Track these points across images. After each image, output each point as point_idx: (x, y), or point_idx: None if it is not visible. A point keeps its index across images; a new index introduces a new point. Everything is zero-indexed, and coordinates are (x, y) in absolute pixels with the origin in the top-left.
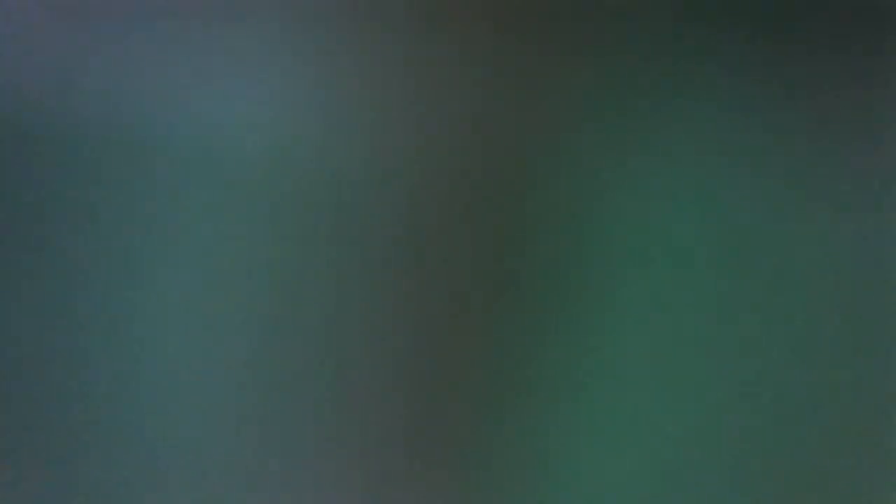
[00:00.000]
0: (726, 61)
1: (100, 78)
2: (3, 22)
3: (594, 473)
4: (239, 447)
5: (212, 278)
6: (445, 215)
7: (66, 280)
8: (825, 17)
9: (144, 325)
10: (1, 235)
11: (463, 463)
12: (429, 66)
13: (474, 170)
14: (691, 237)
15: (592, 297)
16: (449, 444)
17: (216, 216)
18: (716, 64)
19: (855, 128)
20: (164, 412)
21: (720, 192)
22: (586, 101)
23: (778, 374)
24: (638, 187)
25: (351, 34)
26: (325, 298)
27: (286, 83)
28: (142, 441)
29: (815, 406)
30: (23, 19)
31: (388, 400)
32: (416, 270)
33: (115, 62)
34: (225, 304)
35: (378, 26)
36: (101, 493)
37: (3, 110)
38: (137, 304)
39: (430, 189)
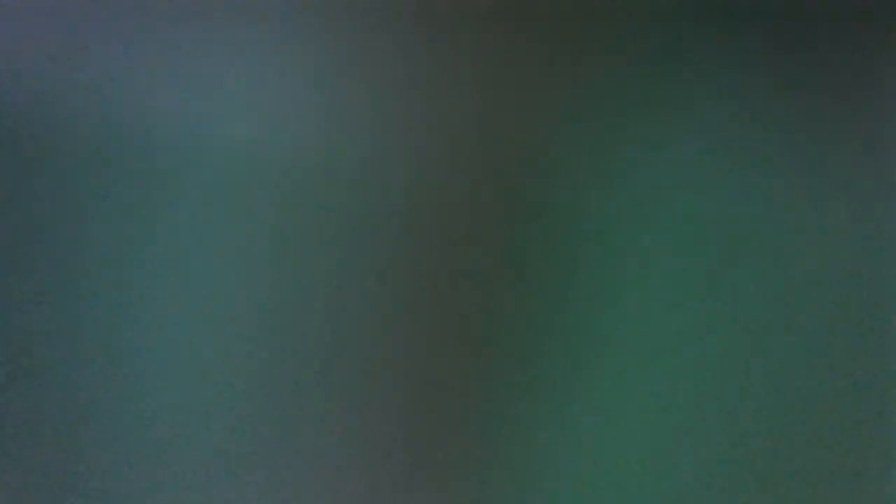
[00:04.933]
0: (726, 61)
1: (99, 79)
2: (3, 22)
3: (595, 474)
4: (239, 446)
5: (211, 277)
6: (446, 215)
7: (66, 279)
8: (825, 17)
9: (143, 324)
10: (3, 235)
11: (463, 463)
12: (429, 67)
13: (475, 170)
14: (691, 236)
15: (593, 297)
16: (449, 444)
17: (216, 216)
18: (716, 63)
19: (855, 127)
20: (163, 411)
21: (720, 191)
22: (587, 101)
23: (778, 371)
24: (637, 186)
25: (351, 34)
26: (326, 298)
27: (286, 83)
28: (140, 440)
29: (815, 404)
30: (23, 19)
31: (387, 399)
32: (417, 270)
33: (115, 63)
34: (224, 304)
35: (378, 26)
36: (101, 493)
37: (3, 110)
38: (136, 303)
39: (430, 189)
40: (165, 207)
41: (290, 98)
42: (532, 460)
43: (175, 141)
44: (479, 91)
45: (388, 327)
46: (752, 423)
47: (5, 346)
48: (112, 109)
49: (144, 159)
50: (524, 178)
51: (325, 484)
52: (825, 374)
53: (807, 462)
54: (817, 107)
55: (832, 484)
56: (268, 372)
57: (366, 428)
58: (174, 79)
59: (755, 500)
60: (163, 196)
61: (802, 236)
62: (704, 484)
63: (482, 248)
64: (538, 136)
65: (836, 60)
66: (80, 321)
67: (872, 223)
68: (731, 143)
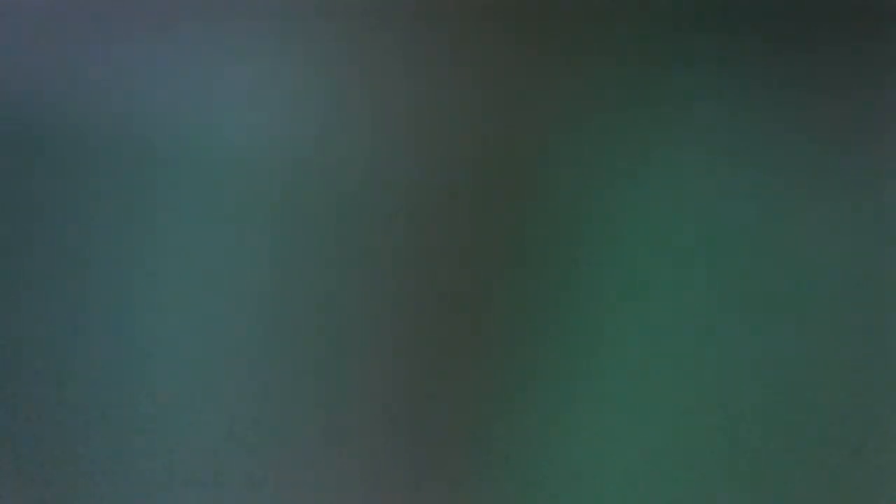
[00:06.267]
0: (726, 61)
1: (100, 78)
2: (4, 22)
3: (594, 474)
4: (239, 446)
5: (212, 277)
6: (445, 215)
7: (66, 279)
8: (825, 17)
9: (143, 324)
10: (3, 234)
11: (463, 464)
12: (429, 66)
13: (474, 170)
14: (691, 235)
15: (594, 296)
16: (448, 444)
17: (216, 215)
18: (716, 64)
19: (854, 127)
20: (163, 411)
21: (720, 191)
22: (586, 101)
23: (778, 370)
24: (637, 186)
25: (351, 34)
26: (327, 297)
27: (286, 83)
28: (141, 441)
29: (816, 402)
30: (23, 19)
31: (388, 398)
32: (416, 269)
33: (115, 62)
34: (225, 304)
35: (378, 26)
36: (101, 492)
37: (3, 110)
38: (137, 302)
39: (429, 188)
40: (165, 207)
41: (290, 98)
42: (532, 461)
43: (175, 141)
44: (479, 90)
45: (388, 326)
46: (751, 421)
47: (5, 345)
48: (112, 109)
49: (144, 159)
50: (524, 179)
51: (325, 484)
52: (826, 373)
53: (808, 462)
54: (817, 107)
55: (834, 483)
56: (268, 371)
57: (366, 427)
58: (174, 78)
59: (755, 500)
60: (163, 195)
61: (802, 236)
62: (705, 484)
63: (483, 247)
64: (538, 136)
65: (836, 60)
66: (81, 320)
67: (872, 222)
68: (731, 143)
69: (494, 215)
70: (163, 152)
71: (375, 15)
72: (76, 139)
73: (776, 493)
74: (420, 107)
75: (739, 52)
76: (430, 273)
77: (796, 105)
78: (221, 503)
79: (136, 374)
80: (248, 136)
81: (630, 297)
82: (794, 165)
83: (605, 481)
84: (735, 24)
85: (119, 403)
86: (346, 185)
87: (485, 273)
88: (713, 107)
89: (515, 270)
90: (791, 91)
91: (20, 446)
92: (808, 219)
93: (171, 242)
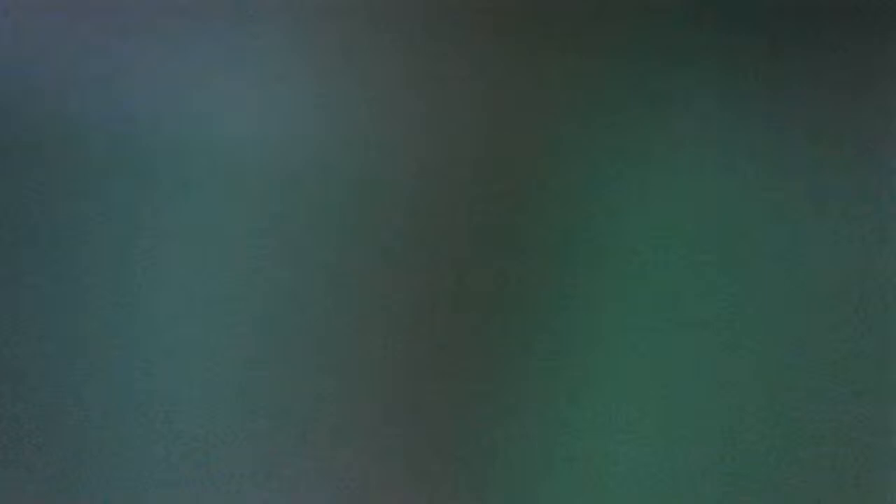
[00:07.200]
0: (726, 61)
1: (100, 77)
2: (4, 21)
3: (595, 475)
4: (240, 446)
5: (211, 277)
6: (446, 214)
7: (68, 278)
8: (825, 17)
9: (144, 324)
10: (2, 234)
11: (463, 465)
12: (429, 66)
13: (475, 170)
14: (691, 236)
15: (594, 298)
16: (448, 445)
17: (215, 215)
18: (715, 63)
19: (854, 127)
20: (165, 410)
21: (719, 191)
22: (586, 102)
23: (777, 371)
24: (638, 189)
25: (351, 34)
26: (326, 298)
27: (286, 83)
28: (142, 440)
29: (816, 407)
30: (24, 18)
31: (387, 399)
32: (416, 269)
33: (115, 61)
34: (225, 303)
35: (378, 26)
36: (101, 493)
37: (4, 110)
38: (137, 302)
39: (429, 188)
40: (165, 207)
41: (291, 98)
42: (532, 461)
43: (174, 141)
44: (479, 90)
45: (387, 326)
46: (753, 420)
47: (4, 345)
48: (111, 110)
49: (143, 159)
50: (525, 178)
51: (325, 484)
52: (825, 374)
53: (809, 465)
54: (817, 107)
55: (834, 485)
56: (267, 371)
57: (366, 426)
58: (174, 78)
59: (756, 501)
60: (162, 196)
61: (802, 235)
62: (707, 485)
63: (484, 246)
64: (538, 136)
65: (837, 60)
66: (80, 319)
67: (872, 223)
68: (731, 144)
69: (495, 215)
70: (162, 152)
71: (375, 15)
72: (75, 140)
73: (777, 495)
74: (420, 107)
75: (739, 52)
76: (430, 273)
77: (796, 105)
78: (222, 502)
79: (136, 374)
80: (248, 136)
81: (630, 296)
82: (795, 165)
83: (605, 481)
84: (735, 24)
85: (119, 403)
86: (345, 185)
87: (485, 272)
88: (713, 106)
89: (516, 269)
90: (791, 91)
91: (20, 446)
92: (808, 218)
93: (170, 242)
